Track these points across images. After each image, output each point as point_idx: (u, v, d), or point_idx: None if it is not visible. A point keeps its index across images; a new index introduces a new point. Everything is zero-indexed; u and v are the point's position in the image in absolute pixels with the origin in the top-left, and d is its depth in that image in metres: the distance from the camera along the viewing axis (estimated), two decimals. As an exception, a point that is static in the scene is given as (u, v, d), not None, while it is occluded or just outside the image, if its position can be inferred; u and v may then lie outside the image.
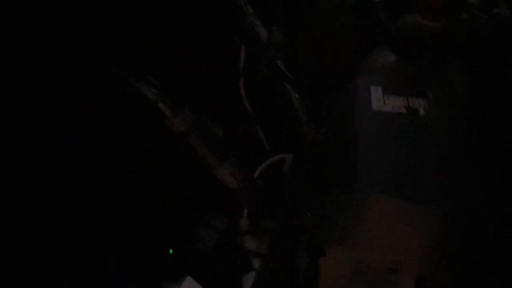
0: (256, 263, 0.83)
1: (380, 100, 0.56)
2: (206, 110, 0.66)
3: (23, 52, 0.53)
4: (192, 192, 0.79)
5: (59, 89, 0.57)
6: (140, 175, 0.71)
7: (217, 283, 0.78)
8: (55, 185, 0.58)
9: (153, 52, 0.64)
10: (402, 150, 0.50)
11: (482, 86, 0.67)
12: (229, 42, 0.70)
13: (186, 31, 0.68)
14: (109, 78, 0.58)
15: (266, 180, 0.75)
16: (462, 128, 0.53)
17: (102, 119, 0.64)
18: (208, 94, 0.70)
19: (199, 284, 0.72)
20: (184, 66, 0.69)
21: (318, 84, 0.73)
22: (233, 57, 0.72)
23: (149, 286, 0.70)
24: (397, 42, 0.68)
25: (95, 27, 0.57)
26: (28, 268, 0.58)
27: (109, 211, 0.66)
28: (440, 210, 0.45)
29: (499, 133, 0.55)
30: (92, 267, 0.66)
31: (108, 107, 0.63)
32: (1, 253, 0.54)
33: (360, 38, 0.76)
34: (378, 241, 0.51)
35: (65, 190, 0.60)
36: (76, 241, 0.62)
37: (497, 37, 0.65)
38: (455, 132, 0.53)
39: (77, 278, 0.63)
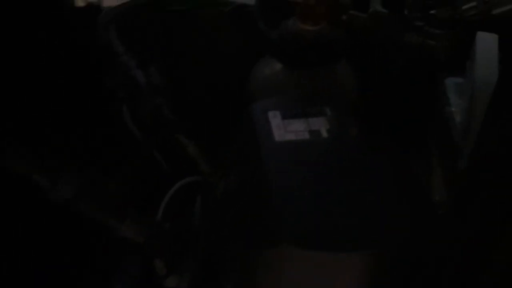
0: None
1: (281, 128, 0.53)
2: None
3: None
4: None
5: None
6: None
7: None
8: None
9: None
10: (314, 187, 0.47)
11: (369, 81, 0.68)
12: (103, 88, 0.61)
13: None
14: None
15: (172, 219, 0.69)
16: (362, 145, 0.52)
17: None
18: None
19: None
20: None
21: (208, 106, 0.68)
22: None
23: None
24: (280, 50, 0.66)
25: None
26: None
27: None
28: (365, 255, 0.43)
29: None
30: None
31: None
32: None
33: (244, 50, 0.72)
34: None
35: None
36: None
37: (376, 33, 0.65)
38: (358, 153, 0.51)
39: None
